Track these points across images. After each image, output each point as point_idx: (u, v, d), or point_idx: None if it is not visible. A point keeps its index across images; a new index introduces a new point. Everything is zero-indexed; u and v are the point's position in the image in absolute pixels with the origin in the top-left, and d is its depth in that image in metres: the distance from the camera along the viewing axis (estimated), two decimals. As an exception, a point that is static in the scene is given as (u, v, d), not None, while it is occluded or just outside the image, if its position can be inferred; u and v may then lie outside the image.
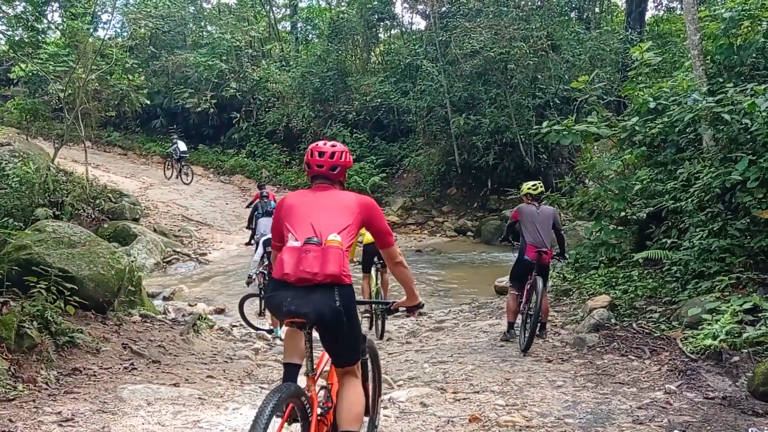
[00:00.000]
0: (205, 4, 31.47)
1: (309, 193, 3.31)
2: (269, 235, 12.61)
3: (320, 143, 3.41)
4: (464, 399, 5.24)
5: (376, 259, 8.95)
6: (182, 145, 22.23)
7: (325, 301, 2.95)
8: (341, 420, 3.11)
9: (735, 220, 7.01)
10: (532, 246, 6.89)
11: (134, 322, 7.77)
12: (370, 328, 8.62)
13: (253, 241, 11.92)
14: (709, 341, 5.58)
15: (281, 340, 8.67)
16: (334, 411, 3.18)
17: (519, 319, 7.14)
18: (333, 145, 3.39)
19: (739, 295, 6.15)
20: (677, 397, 4.97)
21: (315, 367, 3.14)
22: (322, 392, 3.30)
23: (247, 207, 14.77)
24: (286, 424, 2.92)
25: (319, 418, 3.10)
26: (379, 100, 23.18)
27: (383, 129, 23.71)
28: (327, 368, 3.43)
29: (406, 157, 22.41)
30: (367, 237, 8.66)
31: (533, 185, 7.30)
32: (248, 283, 9.30)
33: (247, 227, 13.45)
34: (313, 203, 3.21)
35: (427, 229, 19.64)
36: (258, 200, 13.88)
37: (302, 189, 3.55)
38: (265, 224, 11.29)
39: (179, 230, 17.61)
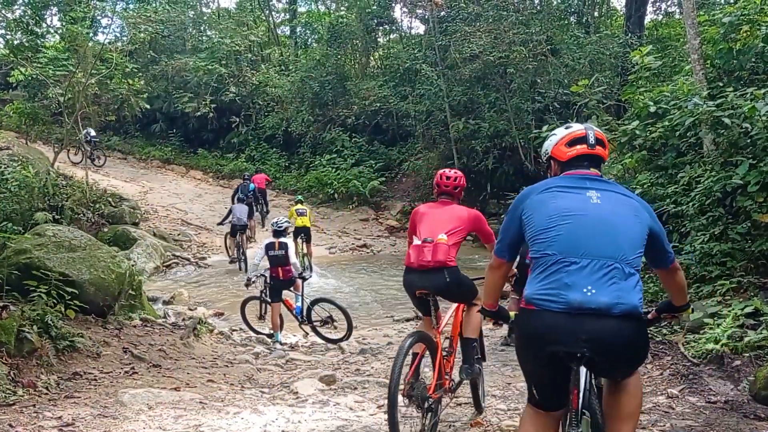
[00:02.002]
0: (204, 9, 31.57)
1: (436, 205, 4.71)
2: (244, 219, 14.59)
3: (447, 171, 4.87)
4: (466, 403, 5.23)
5: (302, 234, 14.31)
6: (92, 131, 22.69)
7: (438, 279, 4.39)
8: (465, 331, 4.61)
9: (736, 224, 6.99)
10: None
11: (135, 326, 7.76)
12: None
13: (226, 222, 15.20)
14: (710, 345, 5.57)
15: (281, 344, 8.69)
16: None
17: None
18: (456, 172, 4.86)
19: (741, 299, 6.14)
20: (679, 402, 4.96)
21: (438, 323, 4.57)
22: (446, 341, 4.69)
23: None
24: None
25: (444, 357, 4.45)
26: (378, 105, 23.20)
27: (382, 133, 23.74)
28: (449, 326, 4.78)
29: (405, 161, 22.42)
30: (298, 222, 14.35)
31: None
32: (247, 285, 9.28)
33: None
34: (436, 214, 4.60)
35: (427, 234, 19.63)
36: (239, 186, 17.35)
37: (431, 202, 4.88)
38: (238, 210, 14.86)
39: (179, 234, 17.60)
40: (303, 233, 14.40)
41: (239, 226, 14.59)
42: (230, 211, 15.25)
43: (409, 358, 4.12)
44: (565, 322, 2.51)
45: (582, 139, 2.85)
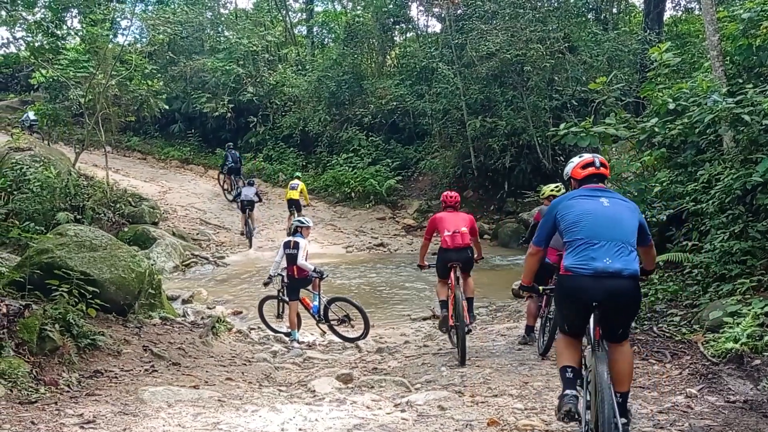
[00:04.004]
0: (222, 10, 31.73)
1: (448, 213, 7.42)
2: (250, 196, 17.79)
3: (449, 192, 7.72)
4: (482, 402, 5.23)
5: (293, 208, 17.30)
6: (32, 115, 22.84)
7: (466, 255, 7.21)
8: (468, 293, 7.28)
9: (756, 222, 6.92)
10: (554, 249, 6.80)
11: (154, 325, 7.84)
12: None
13: (238, 200, 18.11)
14: (730, 344, 5.52)
15: (298, 343, 8.74)
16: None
17: (538, 323, 7.10)
18: (455, 193, 7.69)
19: (761, 298, 6.08)
20: (698, 401, 4.92)
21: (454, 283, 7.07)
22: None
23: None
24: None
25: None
26: (394, 103, 23.18)
27: (399, 132, 23.71)
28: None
29: (421, 160, 22.39)
30: (288, 195, 17.70)
31: (557, 187, 7.25)
32: (266, 284, 9.33)
33: (221, 172, 21.63)
34: (453, 217, 7.34)
35: (444, 232, 19.57)
36: (227, 153, 20.75)
37: (442, 211, 7.51)
38: (245, 190, 17.75)
39: (197, 234, 17.75)
40: (293, 205, 17.51)
41: (246, 202, 17.33)
42: (239, 193, 18.13)
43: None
44: (591, 282, 3.75)
45: (591, 164, 4.18)
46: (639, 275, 3.83)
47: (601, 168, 4.16)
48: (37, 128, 22.71)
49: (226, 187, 21.37)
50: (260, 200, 18.57)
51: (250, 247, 16.98)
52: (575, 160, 4.28)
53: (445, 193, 7.69)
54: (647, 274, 4.43)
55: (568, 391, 3.84)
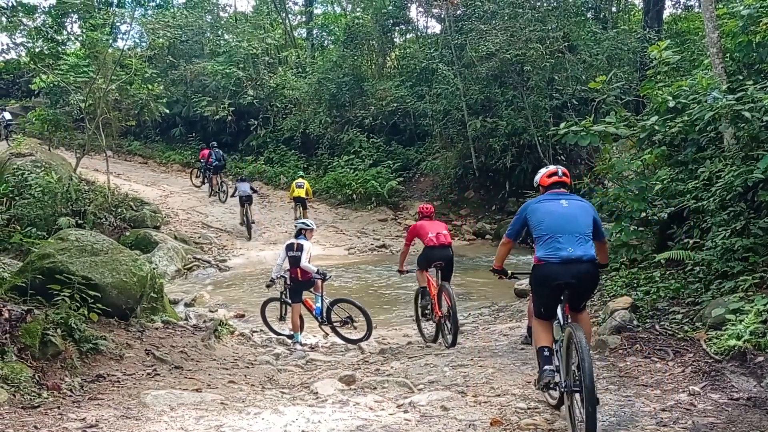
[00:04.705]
0: (222, 13, 31.80)
1: (427, 220, 8.32)
2: (248, 191, 18.88)
3: (425, 204, 8.95)
4: (485, 402, 5.22)
5: (299, 203, 18.68)
6: (8, 115, 23.30)
7: (449, 253, 8.05)
8: (454, 305, 7.68)
9: (758, 218, 6.90)
10: None
11: (156, 329, 7.84)
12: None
13: (235, 195, 18.94)
14: (733, 342, 5.50)
15: (301, 345, 8.74)
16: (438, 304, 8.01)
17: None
18: (430, 205, 9.07)
19: (763, 295, 6.05)
20: (701, 399, 4.91)
21: (437, 282, 8.09)
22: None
23: (200, 162, 22.57)
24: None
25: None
26: (395, 105, 23.20)
27: (400, 133, 23.73)
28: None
29: (423, 161, 22.40)
30: (295, 192, 18.66)
31: None
32: (268, 286, 9.32)
33: (204, 169, 22.29)
34: (433, 223, 8.27)
35: (446, 233, 19.59)
36: (210, 151, 21.42)
37: (423, 220, 8.35)
38: (242, 186, 18.68)
39: (199, 237, 17.76)
40: (299, 202, 18.80)
41: (244, 197, 18.32)
42: (236, 188, 18.97)
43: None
44: (559, 268, 4.53)
45: (555, 173, 5.00)
46: (596, 259, 4.64)
47: (563, 177, 4.98)
48: (13, 128, 22.96)
49: (213, 183, 21.95)
50: (256, 192, 19.73)
51: (249, 238, 18.11)
52: (542, 171, 5.15)
53: (420, 205, 8.95)
54: (602, 267, 5.19)
55: (546, 367, 4.56)
